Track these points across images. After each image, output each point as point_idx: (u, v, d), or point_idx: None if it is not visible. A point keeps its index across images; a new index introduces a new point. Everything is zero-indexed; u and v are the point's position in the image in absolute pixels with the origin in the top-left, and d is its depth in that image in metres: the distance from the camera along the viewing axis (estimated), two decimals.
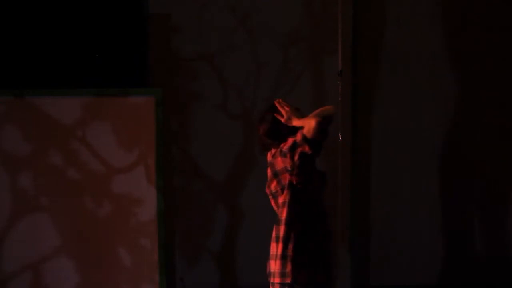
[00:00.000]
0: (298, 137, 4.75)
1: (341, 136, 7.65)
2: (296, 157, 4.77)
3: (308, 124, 4.73)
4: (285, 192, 4.88)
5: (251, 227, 7.74)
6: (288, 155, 4.79)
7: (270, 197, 5.00)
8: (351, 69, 7.70)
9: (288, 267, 4.84)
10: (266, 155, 5.10)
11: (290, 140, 4.81)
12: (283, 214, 4.88)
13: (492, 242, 7.90)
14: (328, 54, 7.77)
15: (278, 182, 4.91)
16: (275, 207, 4.99)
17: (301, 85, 7.78)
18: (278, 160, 4.89)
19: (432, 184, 7.88)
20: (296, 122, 4.86)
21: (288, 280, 4.83)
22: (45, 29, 7.55)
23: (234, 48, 7.76)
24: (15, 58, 7.52)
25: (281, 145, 4.87)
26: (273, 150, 5.00)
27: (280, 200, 4.91)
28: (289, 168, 4.82)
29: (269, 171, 4.98)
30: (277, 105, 4.96)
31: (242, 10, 7.73)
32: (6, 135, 7.32)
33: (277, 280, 4.87)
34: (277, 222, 4.92)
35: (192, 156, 7.75)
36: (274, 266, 4.89)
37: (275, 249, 4.90)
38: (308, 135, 4.71)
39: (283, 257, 4.85)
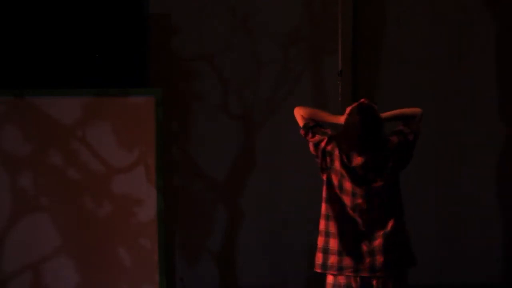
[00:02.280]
0: (415, 126, 5.05)
1: None
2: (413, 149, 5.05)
3: (416, 113, 5.07)
4: (394, 183, 4.99)
5: (251, 227, 7.74)
6: (410, 149, 5.02)
7: (361, 197, 4.95)
8: (351, 69, 7.70)
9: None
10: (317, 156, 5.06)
11: (399, 137, 5.00)
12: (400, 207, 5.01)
13: (492, 242, 7.90)
14: (328, 54, 7.77)
15: (391, 176, 4.97)
16: (360, 203, 4.94)
17: (301, 85, 7.78)
18: (393, 157, 4.97)
19: (432, 184, 7.87)
20: (386, 114, 5.05)
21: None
22: (45, 29, 7.55)
23: (234, 48, 7.76)
24: (15, 58, 7.53)
25: (393, 140, 4.99)
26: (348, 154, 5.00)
27: (383, 195, 4.95)
28: (410, 159, 5.04)
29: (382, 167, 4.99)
30: (367, 102, 5.02)
31: (242, 10, 7.74)
32: (6, 135, 7.31)
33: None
34: (397, 215, 4.97)
35: (192, 156, 7.75)
36: (396, 256, 4.96)
37: (398, 239, 4.98)
38: (419, 123, 5.06)
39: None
